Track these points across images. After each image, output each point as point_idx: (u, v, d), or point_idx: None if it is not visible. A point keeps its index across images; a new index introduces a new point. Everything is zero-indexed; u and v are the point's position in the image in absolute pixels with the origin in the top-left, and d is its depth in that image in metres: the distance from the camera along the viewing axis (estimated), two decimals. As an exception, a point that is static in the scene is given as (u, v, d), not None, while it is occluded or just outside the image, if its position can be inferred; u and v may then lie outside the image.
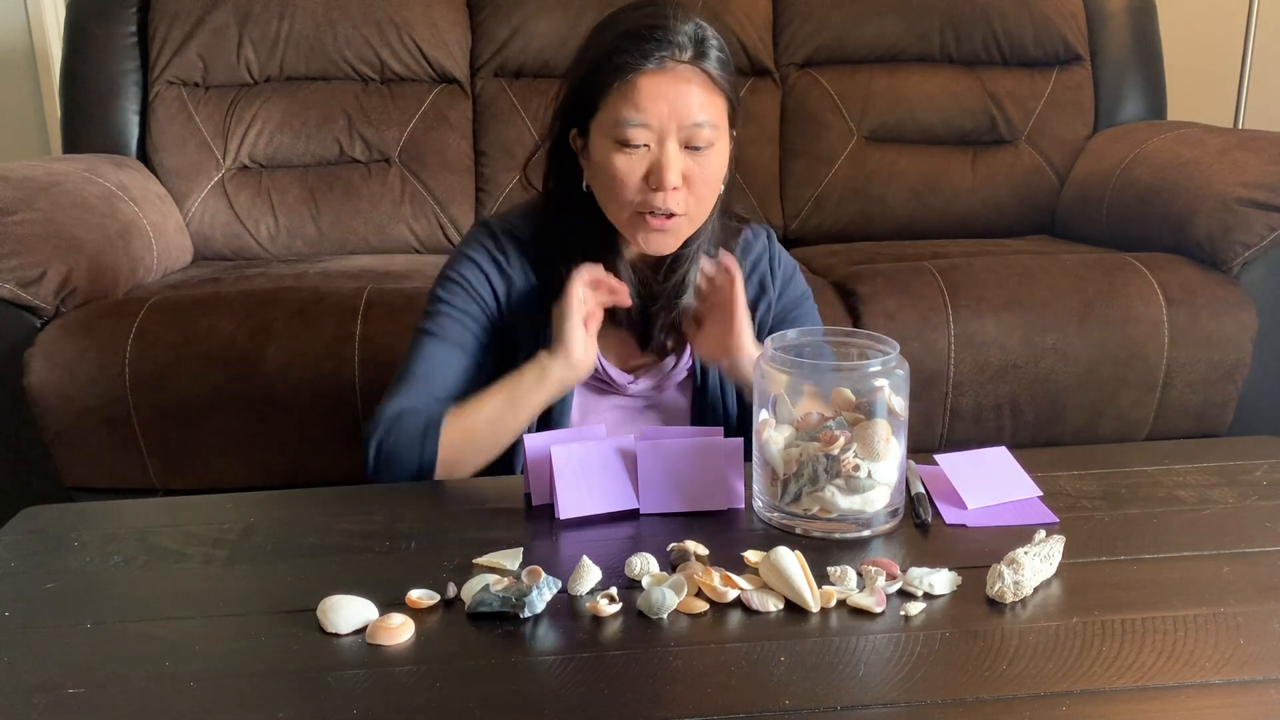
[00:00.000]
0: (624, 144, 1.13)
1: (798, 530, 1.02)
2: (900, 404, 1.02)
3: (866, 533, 1.01)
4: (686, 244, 1.22)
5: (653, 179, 1.14)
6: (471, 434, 1.17)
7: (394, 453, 1.17)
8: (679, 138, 1.13)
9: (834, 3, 2.59)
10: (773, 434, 1.04)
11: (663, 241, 1.18)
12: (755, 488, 1.06)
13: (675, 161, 1.13)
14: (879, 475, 1.01)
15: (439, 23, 2.48)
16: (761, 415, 1.05)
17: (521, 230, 1.26)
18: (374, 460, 1.18)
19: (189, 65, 2.40)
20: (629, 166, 1.14)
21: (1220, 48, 2.92)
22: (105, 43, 2.40)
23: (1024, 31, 2.58)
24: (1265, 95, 2.88)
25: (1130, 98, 2.61)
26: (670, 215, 1.15)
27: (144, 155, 2.39)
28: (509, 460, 1.24)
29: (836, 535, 1.01)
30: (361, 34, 2.44)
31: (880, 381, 1.01)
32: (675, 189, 1.14)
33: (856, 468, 1.00)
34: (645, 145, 1.14)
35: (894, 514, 1.03)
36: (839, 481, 1.00)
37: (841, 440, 1.00)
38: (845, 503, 1.00)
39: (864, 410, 1.02)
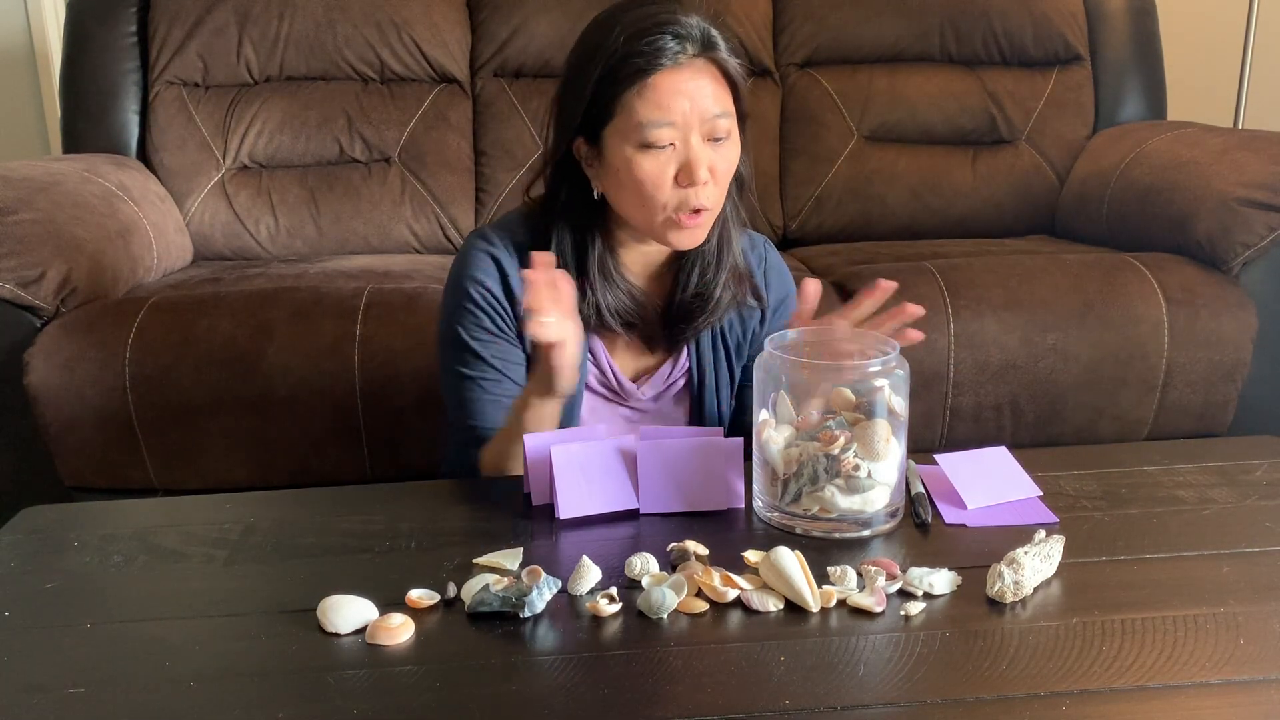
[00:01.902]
0: (649, 146, 1.12)
1: (798, 530, 1.02)
2: (900, 404, 1.02)
3: (866, 533, 1.01)
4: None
5: (683, 177, 1.13)
6: (503, 455, 1.21)
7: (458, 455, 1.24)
8: (701, 132, 1.13)
9: (834, 3, 2.59)
10: (773, 434, 1.04)
11: (695, 236, 1.18)
12: (755, 488, 1.06)
13: (704, 156, 1.13)
14: (879, 475, 1.01)
15: (439, 23, 2.48)
16: (761, 415, 1.05)
17: (519, 234, 1.24)
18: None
19: (189, 65, 2.40)
20: (658, 168, 1.13)
21: (1220, 48, 2.92)
22: (105, 43, 2.40)
23: (1024, 31, 2.58)
24: (1265, 95, 2.88)
25: (1130, 98, 2.61)
26: (699, 210, 1.15)
27: (144, 155, 2.39)
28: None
29: (836, 535, 1.01)
30: (361, 34, 2.44)
31: (880, 381, 1.01)
32: (706, 183, 1.14)
33: (856, 468, 1.00)
34: (671, 145, 1.13)
35: (894, 514, 1.03)
36: (839, 481, 1.00)
37: (841, 440, 1.00)
38: (845, 503, 1.00)
39: (864, 410, 1.02)
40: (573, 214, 1.21)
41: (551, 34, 2.49)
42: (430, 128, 2.44)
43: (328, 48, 2.44)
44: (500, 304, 1.22)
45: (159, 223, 2.19)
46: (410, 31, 2.46)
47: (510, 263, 1.22)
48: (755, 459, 1.06)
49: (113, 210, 2.03)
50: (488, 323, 1.21)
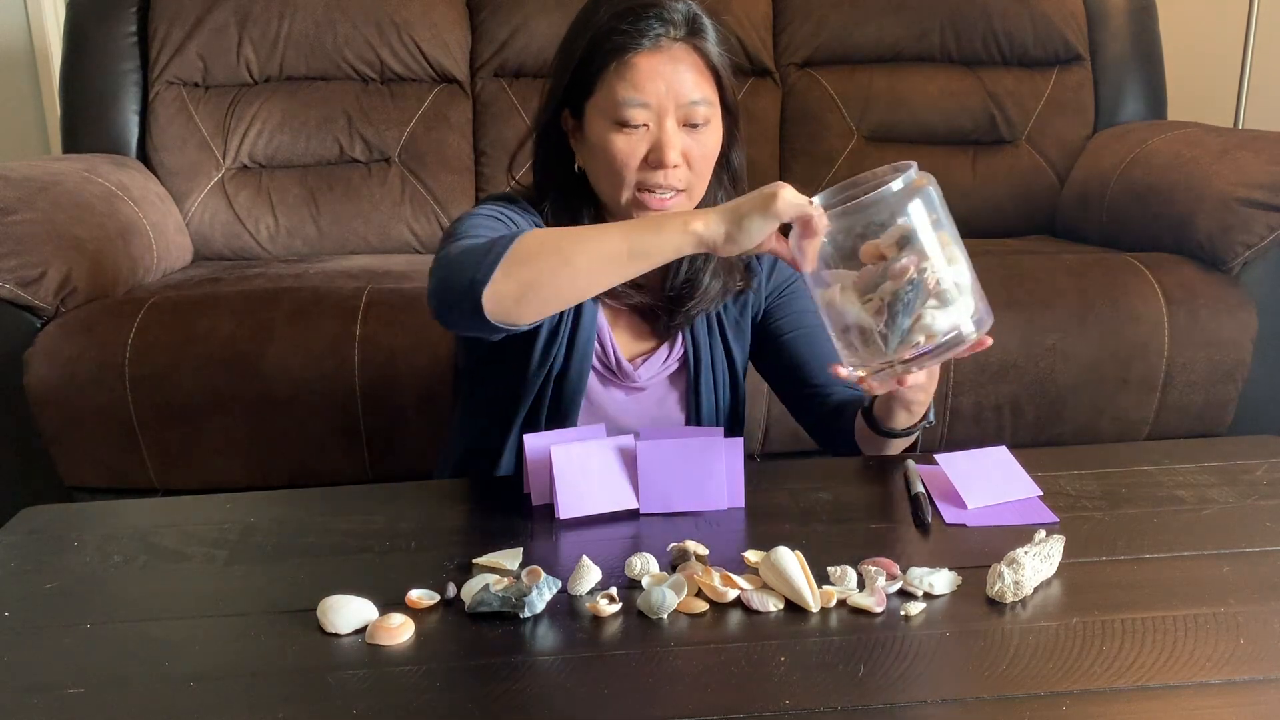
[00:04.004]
0: (623, 124, 1.14)
1: (915, 370, 0.97)
2: (939, 216, 0.96)
3: (974, 337, 0.97)
4: None
5: (653, 158, 1.14)
6: (559, 246, 1.01)
7: (466, 251, 1.03)
8: (677, 116, 1.14)
9: (834, 3, 2.59)
10: (845, 296, 0.97)
11: None
12: (853, 361, 0.99)
13: (675, 140, 1.14)
14: (959, 280, 0.96)
15: (439, 23, 2.48)
16: (834, 286, 0.97)
17: (530, 201, 1.25)
18: (442, 264, 1.06)
19: (189, 65, 2.40)
20: (629, 147, 1.14)
21: (1220, 48, 2.92)
22: (105, 43, 2.40)
23: (1024, 31, 2.58)
24: (1265, 95, 2.88)
25: (1130, 98, 2.61)
26: (669, 192, 1.16)
27: (144, 155, 2.39)
28: (497, 458, 1.24)
29: (950, 355, 0.96)
30: (361, 34, 2.44)
31: (908, 202, 0.94)
32: (676, 166, 1.15)
33: (939, 282, 0.94)
34: (644, 125, 1.14)
35: (979, 322, 0.98)
36: (932, 303, 0.95)
37: (912, 268, 0.93)
38: (945, 320, 0.95)
39: (909, 236, 0.95)
40: (562, 189, 1.22)
41: (551, 34, 2.49)
42: (430, 128, 2.44)
43: (328, 48, 2.44)
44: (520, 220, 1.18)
45: (159, 223, 2.19)
46: (410, 31, 2.46)
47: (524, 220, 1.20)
48: (836, 337, 0.99)
49: (113, 210, 2.03)
50: (500, 218, 1.17)
